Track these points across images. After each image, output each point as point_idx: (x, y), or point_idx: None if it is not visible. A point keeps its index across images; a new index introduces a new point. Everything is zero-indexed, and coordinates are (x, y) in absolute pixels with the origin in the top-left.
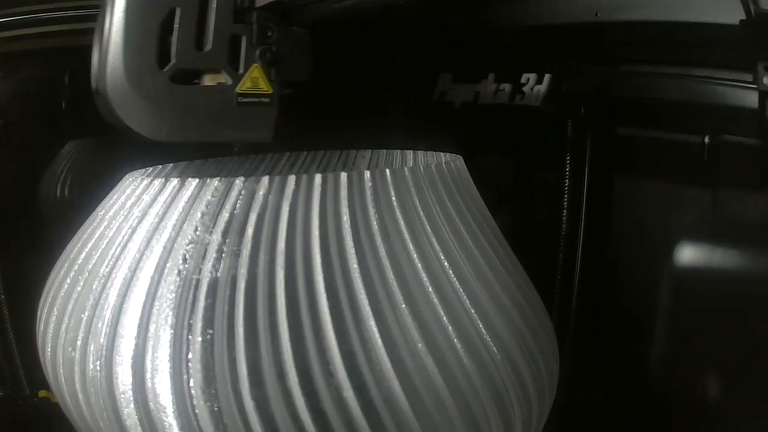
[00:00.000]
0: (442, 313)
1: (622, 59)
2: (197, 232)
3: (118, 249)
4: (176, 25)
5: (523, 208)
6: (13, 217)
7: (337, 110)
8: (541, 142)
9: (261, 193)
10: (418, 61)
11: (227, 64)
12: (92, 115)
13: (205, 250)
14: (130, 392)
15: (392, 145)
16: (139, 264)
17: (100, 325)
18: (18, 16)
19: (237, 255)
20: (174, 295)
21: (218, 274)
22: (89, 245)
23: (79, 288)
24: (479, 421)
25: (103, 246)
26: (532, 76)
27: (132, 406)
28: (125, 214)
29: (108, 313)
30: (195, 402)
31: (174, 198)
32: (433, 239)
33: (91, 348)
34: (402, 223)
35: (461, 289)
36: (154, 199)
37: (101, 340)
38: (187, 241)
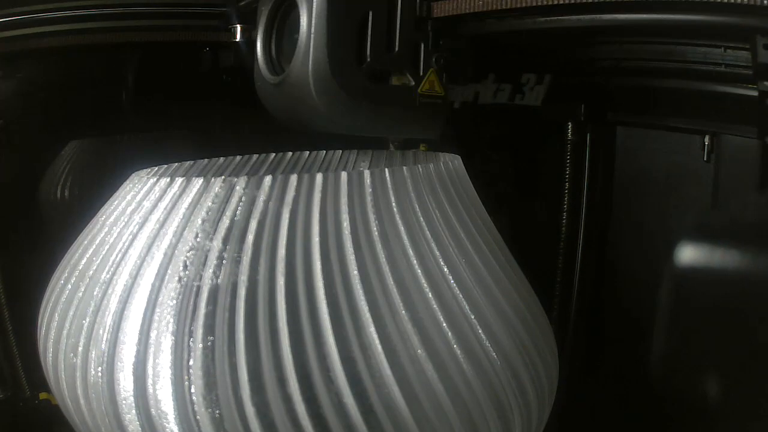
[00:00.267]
0: (442, 319)
1: (622, 59)
2: (198, 239)
3: (119, 255)
4: (369, 28)
5: (523, 209)
6: (13, 217)
7: None
8: (541, 142)
9: (261, 199)
10: None
11: (411, 66)
12: (93, 115)
13: (206, 257)
14: (132, 398)
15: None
16: (139, 270)
17: (101, 332)
18: (18, 16)
19: (237, 262)
20: (175, 301)
21: (219, 281)
22: (90, 251)
23: (80, 294)
24: (479, 426)
25: (103, 252)
26: (532, 76)
27: (134, 412)
28: (126, 220)
29: (109, 320)
30: (196, 408)
31: (174, 204)
32: (433, 244)
33: (93, 354)
34: (402, 227)
35: (461, 295)
36: (154, 206)
37: (102, 346)
38: (187, 247)
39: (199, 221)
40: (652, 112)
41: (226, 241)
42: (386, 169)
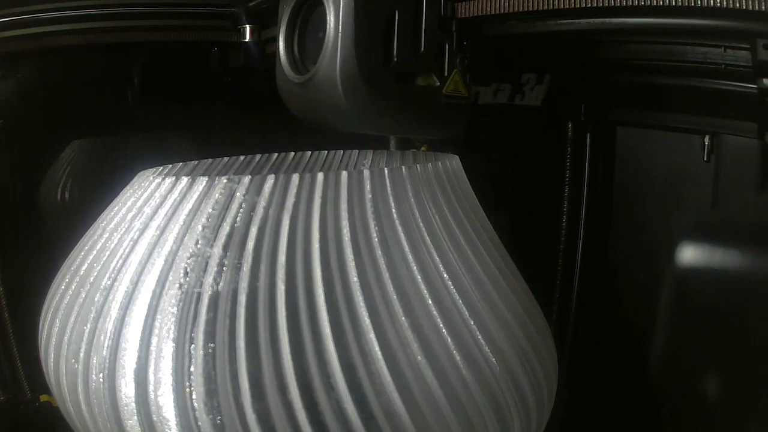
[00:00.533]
0: (442, 325)
1: (622, 59)
2: (198, 245)
3: (120, 261)
4: (396, 28)
5: (523, 209)
6: (14, 219)
7: None
8: (541, 142)
9: (262, 205)
10: None
11: (436, 67)
12: (96, 115)
13: (206, 264)
14: (133, 404)
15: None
16: (140, 277)
17: (102, 338)
18: (18, 16)
19: (238, 268)
20: (175, 308)
21: (219, 288)
22: (91, 257)
23: (81, 300)
24: (478, 431)
25: (104, 258)
26: (532, 76)
27: (135, 418)
28: (126, 226)
29: (110, 326)
30: (197, 414)
31: (175, 210)
32: (433, 250)
33: (94, 360)
34: (401, 233)
35: (460, 301)
36: (155, 212)
37: (104, 352)
38: (188, 254)
39: (200, 227)
40: (653, 111)
41: (226, 247)
42: (385, 169)
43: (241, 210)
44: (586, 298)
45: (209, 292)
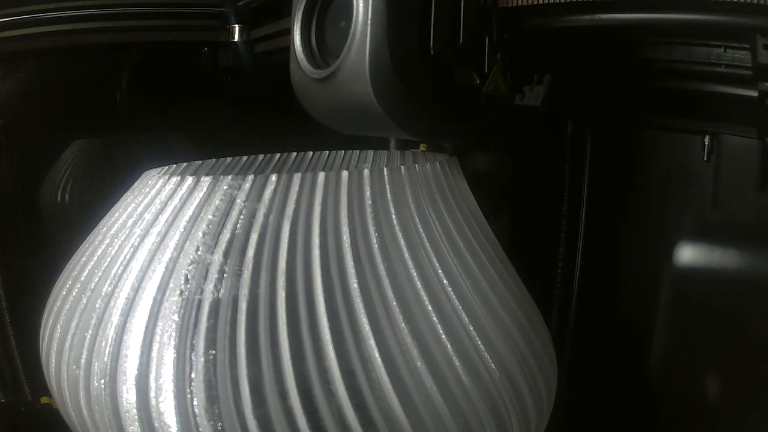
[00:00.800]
0: (441, 331)
1: (622, 59)
2: (199, 252)
3: (121, 268)
4: (433, 15)
5: (523, 209)
6: (14, 219)
7: None
8: (541, 142)
9: (262, 212)
10: None
11: (475, 62)
12: (93, 115)
13: (207, 270)
14: (135, 411)
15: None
16: (141, 284)
17: (103, 344)
18: (18, 16)
19: (238, 275)
20: (176, 315)
21: (220, 295)
22: (92, 263)
23: (82, 306)
24: None
25: (105, 265)
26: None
27: (137, 424)
28: (127, 232)
29: (111, 332)
30: (198, 421)
31: (176, 217)
32: (432, 255)
33: (95, 367)
34: (401, 239)
35: (460, 307)
36: (155, 218)
37: (105, 358)
38: (188, 261)
39: (200, 234)
40: (652, 111)
41: (227, 254)
42: (385, 169)
43: (242, 217)
44: (586, 298)
45: (210, 299)
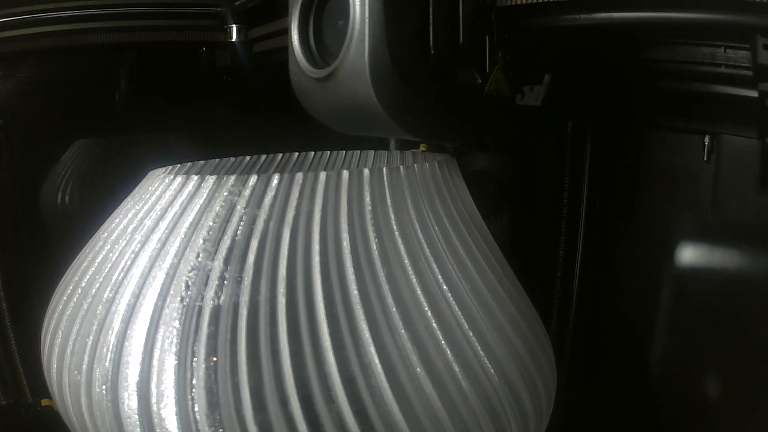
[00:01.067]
0: (441, 337)
1: (622, 59)
2: (199, 259)
3: (122, 274)
4: (432, 14)
5: (523, 209)
6: (14, 220)
7: None
8: (540, 142)
9: (262, 218)
10: None
11: (476, 62)
12: (91, 115)
13: (207, 277)
14: (136, 417)
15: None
16: (142, 290)
17: (104, 351)
18: (18, 16)
19: (239, 282)
20: (177, 322)
21: (220, 302)
22: (92, 269)
23: (83, 312)
24: None
25: (106, 270)
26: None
27: (138, 430)
28: (128, 238)
29: (112, 339)
30: (200, 427)
31: (176, 223)
32: (432, 260)
33: (97, 373)
34: (401, 244)
35: (459, 312)
36: (156, 225)
37: (106, 365)
38: (189, 267)
39: (201, 241)
40: (652, 111)
41: (227, 261)
42: (384, 169)
43: (242, 223)
44: (586, 298)
45: (210, 306)
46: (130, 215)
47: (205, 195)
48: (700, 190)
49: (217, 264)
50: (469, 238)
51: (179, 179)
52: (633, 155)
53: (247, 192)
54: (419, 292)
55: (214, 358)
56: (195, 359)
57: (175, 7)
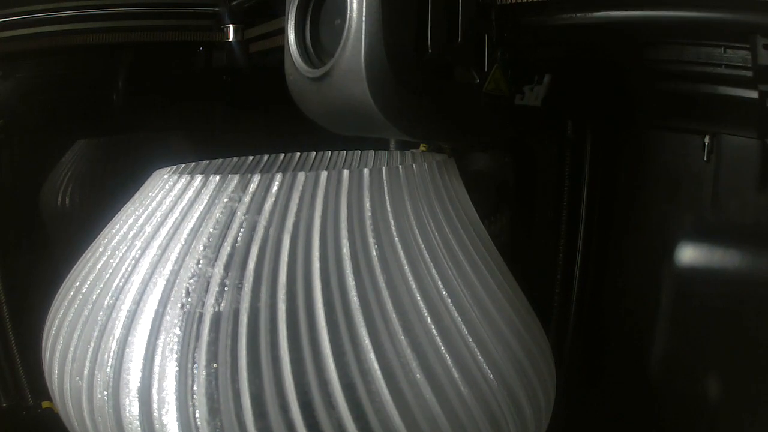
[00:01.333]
0: (440, 343)
1: (623, 59)
2: (199, 265)
3: (122, 281)
4: (429, 12)
5: (523, 209)
6: (15, 223)
7: None
8: (540, 142)
9: (262, 225)
10: None
11: (475, 61)
12: (90, 115)
13: (208, 284)
14: (138, 423)
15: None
16: (143, 297)
17: (106, 357)
18: (18, 16)
19: (239, 288)
20: (178, 328)
21: (221, 308)
22: (93, 275)
23: (84, 318)
24: None
25: (106, 277)
26: (533, 76)
27: None
28: (128, 245)
29: (113, 345)
30: None
31: (177, 230)
32: (431, 265)
33: (98, 379)
34: (400, 250)
35: (459, 318)
36: (156, 231)
37: (107, 371)
38: (189, 274)
39: (201, 247)
40: (652, 111)
41: (227, 267)
42: (383, 168)
43: (242, 230)
44: (586, 298)
45: (211, 313)
46: (130, 221)
47: (205, 201)
48: (700, 190)
49: (218, 271)
50: (468, 242)
51: (184, 178)
52: (633, 155)
53: (247, 198)
54: (419, 298)
55: (215, 365)
56: (196, 366)
57: (172, 7)
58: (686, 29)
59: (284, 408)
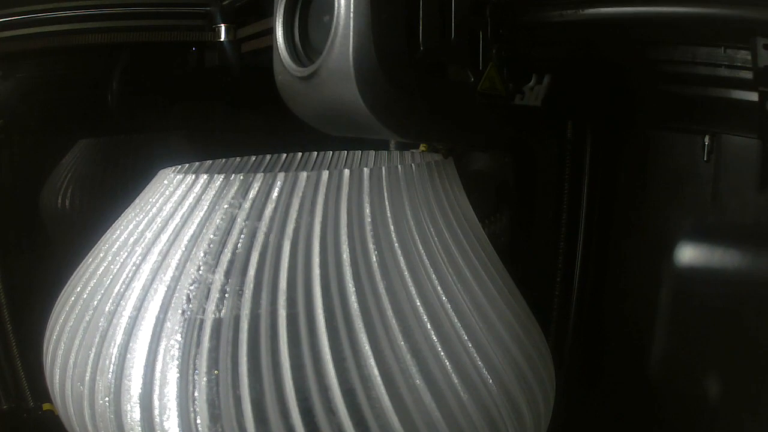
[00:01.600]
0: (440, 348)
1: (623, 60)
2: (200, 272)
3: (123, 287)
4: (421, 8)
5: (523, 209)
6: (15, 223)
7: None
8: (541, 142)
9: (262, 231)
10: None
11: (469, 59)
12: (93, 115)
13: (208, 290)
14: (139, 428)
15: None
16: (143, 303)
17: (107, 363)
18: (18, 16)
19: (239, 295)
20: (179, 335)
21: (221, 315)
22: (94, 281)
23: (85, 324)
24: None
25: (107, 283)
26: (532, 76)
27: None
28: (129, 251)
29: (115, 351)
30: None
31: (177, 236)
32: (431, 272)
33: (99, 384)
34: (400, 256)
35: (458, 323)
36: (157, 237)
37: (109, 376)
38: (190, 280)
39: (201, 254)
40: (652, 111)
41: (228, 274)
42: (383, 168)
43: (242, 236)
44: (586, 298)
45: (212, 319)
46: (131, 226)
47: (205, 207)
48: (700, 190)
49: (218, 277)
50: (468, 246)
51: (189, 177)
52: (633, 155)
53: (247, 204)
54: (418, 303)
55: (216, 371)
56: (197, 372)
57: (163, 7)
58: (685, 28)
59: (285, 414)
